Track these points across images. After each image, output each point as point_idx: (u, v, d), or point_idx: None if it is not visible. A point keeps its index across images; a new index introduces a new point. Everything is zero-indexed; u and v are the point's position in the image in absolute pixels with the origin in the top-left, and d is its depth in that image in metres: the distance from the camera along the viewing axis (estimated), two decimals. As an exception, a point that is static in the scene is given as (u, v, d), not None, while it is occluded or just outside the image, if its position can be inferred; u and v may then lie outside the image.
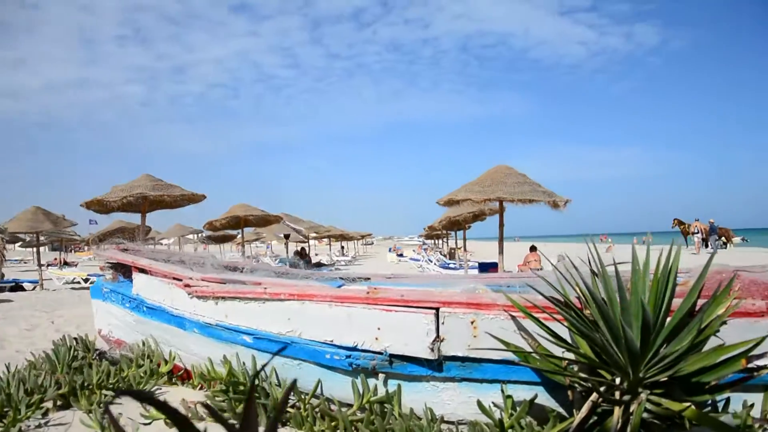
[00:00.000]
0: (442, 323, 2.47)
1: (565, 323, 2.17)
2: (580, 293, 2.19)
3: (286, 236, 22.29)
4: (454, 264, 23.18)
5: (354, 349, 2.66)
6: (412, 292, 2.61)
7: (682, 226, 37.67)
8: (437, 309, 2.48)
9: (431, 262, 24.94)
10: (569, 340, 2.23)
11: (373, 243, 77.14)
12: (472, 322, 2.42)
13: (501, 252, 11.55)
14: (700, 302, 2.20)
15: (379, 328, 2.58)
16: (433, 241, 44.34)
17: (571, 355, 2.19)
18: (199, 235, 38.45)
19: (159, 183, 11.24)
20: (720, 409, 2.22)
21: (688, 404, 1.91)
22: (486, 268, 18.37)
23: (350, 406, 2.68)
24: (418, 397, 2.59)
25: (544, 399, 2.36)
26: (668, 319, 2.07)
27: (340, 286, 3.66)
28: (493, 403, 2.37)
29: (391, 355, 2.59)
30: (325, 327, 2.75)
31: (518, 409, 2.27)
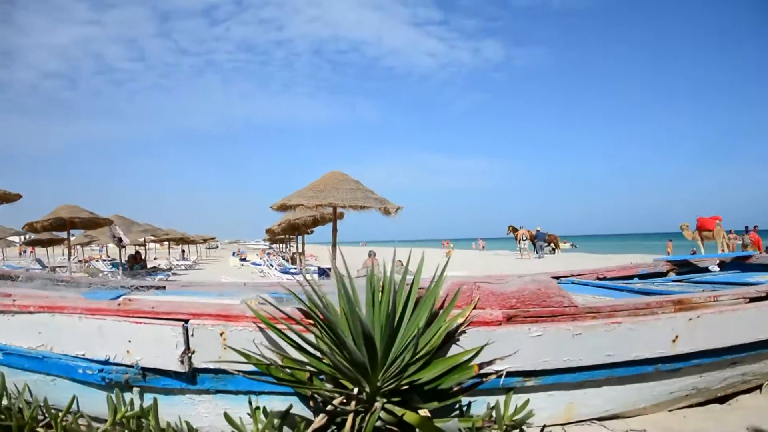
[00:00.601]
0: (192, 335, 2.38)
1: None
2: (310, 304, 2.20)
3: (119, 240, 21.06)
4: (295, 269, 23.07)
5: (106, 362, 2.50)
6: (163, 304, 2.50)
7: (515, 233, 39.99)
8: (186, 321, 2.40)
9: (272, 266, 24.67)
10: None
11: (217, 246, 74.95)
12: (221, 334, 2.35)
13: (334, 257, 11.60)
14: (453, 312, 2.30)
15: (130, 341, 2.44)
16: (278, 245, 43.95)
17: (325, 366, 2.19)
18: (25, 237, 35.51)
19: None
20: (465, 414, 2.32)
21: (418, 411, 1.97)
22: (325, 272, 18.47)
23: (105, 421, 2.52)
24: (174, 410, 2.49)
25: (299, 409, 2.34)
26: (404, 329, 2.12)
27: (118, 297, 3.45)
28: (248, 413, 2.32)
29: (144, 369, 2.46)
30: (77, 340, 2.57)
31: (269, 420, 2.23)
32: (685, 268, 4.95)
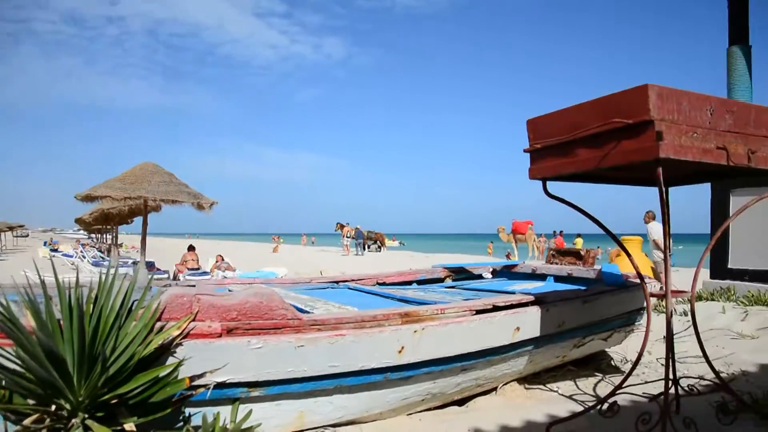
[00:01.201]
0: None
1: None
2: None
3: None
4: (110, 261, 21.81)
5: None
6: None
7: (342, 229, 40.74)
8: None
9: (85, 258, 23.14)
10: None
11: (28, 235, 68.98)
12: None
13: (143, 251, 11.14)
14: (169, 324, 2.26)
15: None
16: (95, 235, 41.25)
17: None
18: None
19: None
20: (184, 424, 2.30)
21: (123, 425, 1.94)
22: (146, 265, 17.64)
23: None
24: None
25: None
26: (112, 341, 2.08)
27: None
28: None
29: None
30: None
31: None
32: (461, 274, 5.30)
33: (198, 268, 18.20)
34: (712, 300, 5.93)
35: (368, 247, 43.74)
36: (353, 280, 4.76)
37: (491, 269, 5.40)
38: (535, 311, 3.09)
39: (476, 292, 4.29)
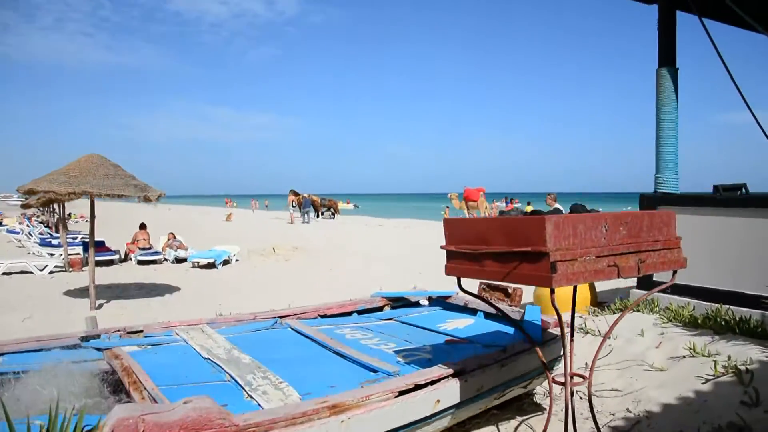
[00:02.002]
0: None
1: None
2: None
3: None
4: (58, 240, 21.43)
5: None
6: None
7: (297, 197, 40.75)
8: None
9: (32, 237, 22.68)
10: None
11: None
12: None
13: (92, 246, 11.07)
14: None
15: None
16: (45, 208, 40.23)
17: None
18: None
19: None
20: None
21: None
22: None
23: None
24: None
25: None
26: None
27: None
28: None
29: None
30: None
31: None
32: (399, 302, 5.57)
33: (150, 248, 18.18)
34: (639, 311, 6.30)
35: (322, 214, 43.88)
36: (296, 314, 4.95)
37: (428, 298, 5.67)
38: (454, 383, 3.35)
39: (411, 328, 4.55)
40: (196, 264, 16.62)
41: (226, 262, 17.00)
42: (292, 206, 39.96)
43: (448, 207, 39.48)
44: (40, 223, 29.12)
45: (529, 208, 30.20)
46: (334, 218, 43.55)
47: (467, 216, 33.94)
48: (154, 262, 17.48)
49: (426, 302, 5.66)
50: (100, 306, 10.72)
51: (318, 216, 43.49)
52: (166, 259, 17.78)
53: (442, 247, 3.04)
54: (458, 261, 2.95)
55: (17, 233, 24.76)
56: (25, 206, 23.09)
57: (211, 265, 16.46)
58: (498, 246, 2.64)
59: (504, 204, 34.76)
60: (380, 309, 5.44)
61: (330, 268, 16.46)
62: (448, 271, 3.04)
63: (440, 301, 5.63)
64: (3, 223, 33.63)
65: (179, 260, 17.62)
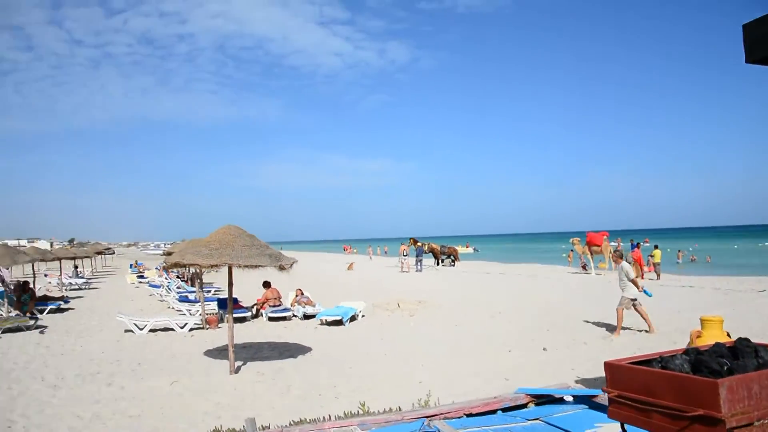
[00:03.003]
0: None
1: None
2: None
3: (1, 280, 20.21)
4: (195, 295, 22.66)
5: None
6: None
7: (416, 245, 40.96)
8: None
9: (171, 291, 24.12)
10: None
11: (114, 252, 72.31)
12: None
13: (230, 313, 11.57)
14: None
15: None
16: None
17: None
18: None
19: None
20: None
21: None
22: (224, 304, 18.27)
23: None
24: None
25: None
26: None
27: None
28: None
29: None
30: None
31: None
32: (542, 399, 5.44)
33: (279, 305, 18.80)
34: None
35: (442, 261, 43.86)
36: (442, 414, 4.94)
37: (572, 397, 5.51)
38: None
39: (558, 431, 4.45)
40: (324, 321, 17.00)
41: (352, 319, 17.30)
42: (404, 255, 40.34)
43: (571, 251, 38.37)
44: (177, 277, 30.87)
45: (657, 253, 28.80)
46: (454, 265, 43.29)
47: (591, 261, 32.88)
48: (284, 318, 18.06)
49: (570, 398, 5.51)
50: (238, 369, 11.15)
51: (438, 264, 43.49)
52: (294, 315, 18.31)
53: (603, 390, 2.98)
54: (622, 408, 2.88)
55: (158, 287, 26.51)
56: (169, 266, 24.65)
57: (338, 322, 16.79)
58: (666, 401, 2.55)
59: (629, 246, 33.23)
60: (524, 406, 5.35)
61: (456, 324, 16.37)
62: (612, 415, 2.98)
63: (585, 400, 5.45)
64: (144, 275, 36.16)
65: (308, 316, 18.09)
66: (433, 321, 17.10)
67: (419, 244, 40.86)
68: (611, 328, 13.94)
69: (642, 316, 13.63)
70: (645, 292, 14.04)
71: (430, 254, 43.76)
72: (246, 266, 10.78)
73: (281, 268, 11.20)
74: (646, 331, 13.57)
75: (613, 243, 36.83)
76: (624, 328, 13.66)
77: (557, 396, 5.48)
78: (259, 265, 10.84)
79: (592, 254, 32.48)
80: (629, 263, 24.25)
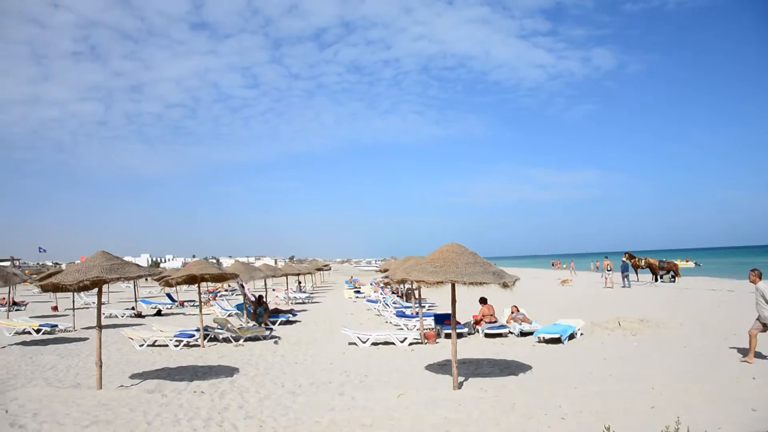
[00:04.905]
0: None
1: None
2: None
3: (241, 286, 22.48)
4: (411, 311, 23.39)
5: None
6: None
7: (633, 260, 38.86)
8: None
9: (388, 307, 25.09)
10: None
11: (330, 268, 77.16)
12: None
13: (454, 329, 11.79)
14: None
15: None
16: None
17: None
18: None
19: (115, 263, 11.14)
20: None
21: None
22: (442, 320, 18.68)
23: None
24: None
25: None
26: None
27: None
28: None
29: None
30: None
31: None
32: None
33: (495, 321, 18.81)
34: None
35: (660, 277, 41.15)
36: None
37: None
38: None
39: None
40: (541, 339, 16.73)
41: (571, 337, 16.84)
42: (608, 270, 38.39)
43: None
44: (393, 292, 32.06)
45: None
46: (674, 281, 40.44)
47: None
48: (500, 335, 18.03)
49: None
50: (461, 384, 11.29)
51: (656, 279, 40.88)
52: (511, 332, 18.20)
53: None
54: None
55: (375, 302, 27.78)
56: (383, 281, 25.78)
57: (556, 340, 16.42)
58: None
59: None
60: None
61: (684, 345, 15.30)
62: None
63: None
64: (361, 291, 38.08)
65: (524, 333, 17.91)
66: (658, 341, 16.08)
67: (636, 259, 38.72)
68: None
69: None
70: None
71: (647, 269, 41.26)
72: (470, 283, 10.92)
73: (504, 285, 11.18)
74: None
75: None
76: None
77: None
78: (483, 283, 10.93)
79: None
80: None
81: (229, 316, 24.22)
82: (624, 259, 39.12)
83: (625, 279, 37.12)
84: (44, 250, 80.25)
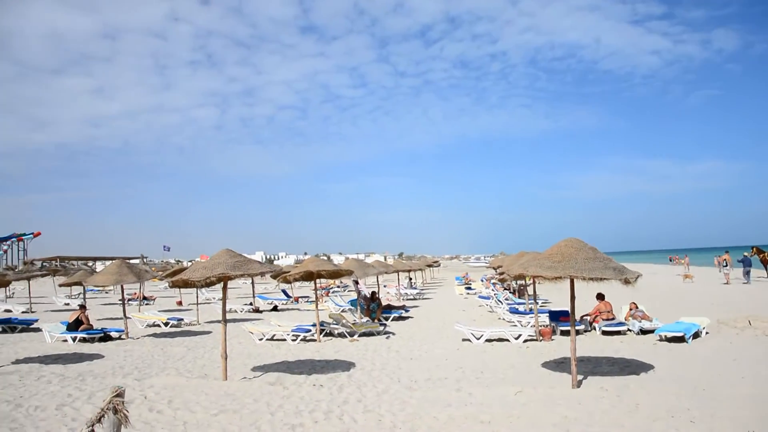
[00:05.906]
0: None
1: None
2: None
3: (356, 282, 22.96)
4: (524, 307, 23.02)
5: None
6: None
7: (761, 255, 36.39)
8: None
9: (501, 303, 24.82)
10: None
11: (440, 265, 77.13)
12: None
13: (573, 328, 11.49)
14: None
15: None
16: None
17: None
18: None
19: (238, 260, 11.71)
20: None
21: None
22: (557, 316, 18.25)
23: None
24: None
25: None
26: None
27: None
28: None
29: None
30: None
31: None
32: None
33: (613, 318, 18.16)
34: None
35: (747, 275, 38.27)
36: None
37: None
38: None
39: None
40: (663, 337, 15.99)
41: (695, 336, 16.00)
42: (724, 265, 36.05)
43: None
44: (505, 289, 31.69)
45: None
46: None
47: None
48: (618, 332, 17.41)
49: None
50: (580, 383, 10.97)
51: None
52: (629, 330, 17.53)
53: None
54: None
55: (487, 298, 27.52)
56: (498, 277, 25.53)
57: (679, 339, 15.64)
58: None
59: None
60: None
61: (829, 348, 14.17)
62: None
63: None
64: (471, 286, 37.89)
65: (644, 331, 17.19)
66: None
67: (765, 254, 36.19)
68: None
69: None
70: None
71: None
72: (590, 279, 10.61)
73: (626, 281, 10.76)
74: None
75: None
76: None
77: None
78: (603, 278, 10.59)
79: None
80: None
81: (343, 311, 24.68)
82: (746, 254, 36.65)
83: (746, 275, 34.96)
84: (168, 249, 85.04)
